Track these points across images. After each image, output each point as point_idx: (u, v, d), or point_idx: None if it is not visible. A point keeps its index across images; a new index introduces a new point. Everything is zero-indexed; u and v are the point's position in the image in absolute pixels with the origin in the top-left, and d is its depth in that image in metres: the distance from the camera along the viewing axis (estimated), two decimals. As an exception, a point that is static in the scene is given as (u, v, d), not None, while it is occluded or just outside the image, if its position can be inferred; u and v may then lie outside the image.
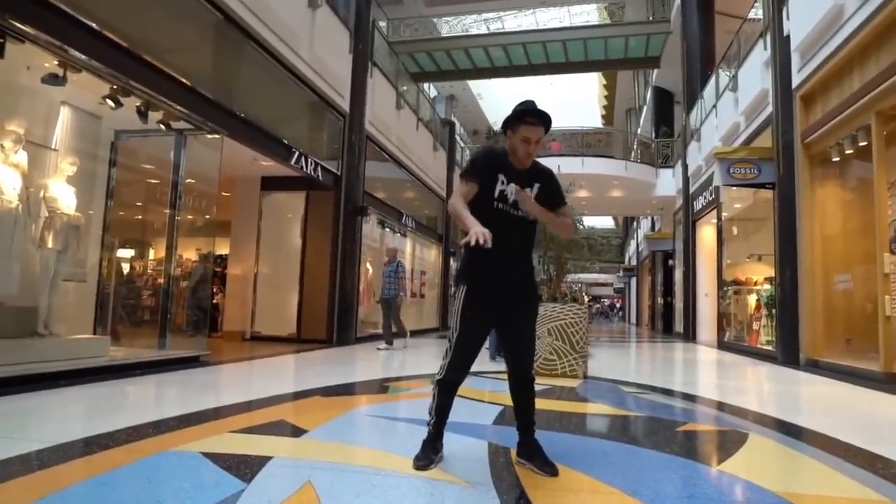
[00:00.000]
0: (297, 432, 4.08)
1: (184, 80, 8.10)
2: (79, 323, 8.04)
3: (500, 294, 3.21)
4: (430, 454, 3.29)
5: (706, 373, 9.51)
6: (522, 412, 3.35)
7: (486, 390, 6.39)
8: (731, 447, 4.08)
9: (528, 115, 3.18)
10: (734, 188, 13.33)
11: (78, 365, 6.37)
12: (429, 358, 11.14)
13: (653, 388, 7.08)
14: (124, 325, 9.16)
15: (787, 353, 10.77)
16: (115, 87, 7.18)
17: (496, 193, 3.18)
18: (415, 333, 17.66)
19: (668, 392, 6.88)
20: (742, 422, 5.07)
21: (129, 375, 6.56)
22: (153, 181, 9.17)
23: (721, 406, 5.98)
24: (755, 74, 12.95)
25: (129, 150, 8.76)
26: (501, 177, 3.19)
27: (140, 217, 9.61)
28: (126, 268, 9.89)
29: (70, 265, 7.46)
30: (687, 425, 4.88)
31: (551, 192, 3.31)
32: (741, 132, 14.21)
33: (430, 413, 3.35)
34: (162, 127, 8.19)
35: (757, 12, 13.51)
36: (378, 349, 11.40)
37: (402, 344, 12.33)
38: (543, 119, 3.20)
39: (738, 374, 9.30)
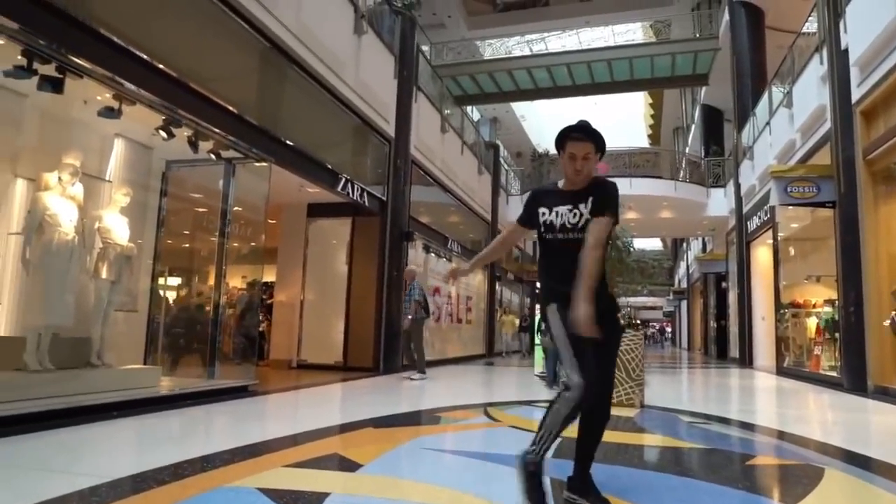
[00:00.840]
0: (351, 466, 4.04)
1: (232, 109, 8.21)
2: (129, 353, 8.14)
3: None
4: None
5: (768, 401, 9.29)
6: (586, 444, 3.21)
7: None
8: (808, 483, 3.90)
9: (573, 131, 3.16)
10: (790, 207, 13.14)
11: (130, 396, 6.45)
12: (475, 386, 11.10)
13: (713, 418, 6.92)
14: (173, 355, 9.22)
15: (854, 379, 10.44)
16: (166, 118, 7.32)
17: (542, 226, 3.23)
18: (459, 360, 17.76)
19: (729, 422, 6.72)
20: (814, 455, 4.89)
21: (179, 406, 6.61)
22: (202, 210, 9.31)
23: (788, 437, 5.81)
24: (811, 90, 12.77)
25: (180, 179, 8.91)
26: (542, 209, 3.22)
27: (189, 246, 9.73)
28: (174, 297, 10.01)
29: (122, 295, 7.58)
30: (756, 458, 4.74)
31: (597, 202, 3.13)
32: (797, 150, 14.02)
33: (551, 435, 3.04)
34: (212, 156, 8.30)
35: (811, 26, 13.37)
36: (411, 379, 10.84)
37: (418, 377, 11.02)
38: (589, 133, 3.16)
39: (803, 403, 9.08)
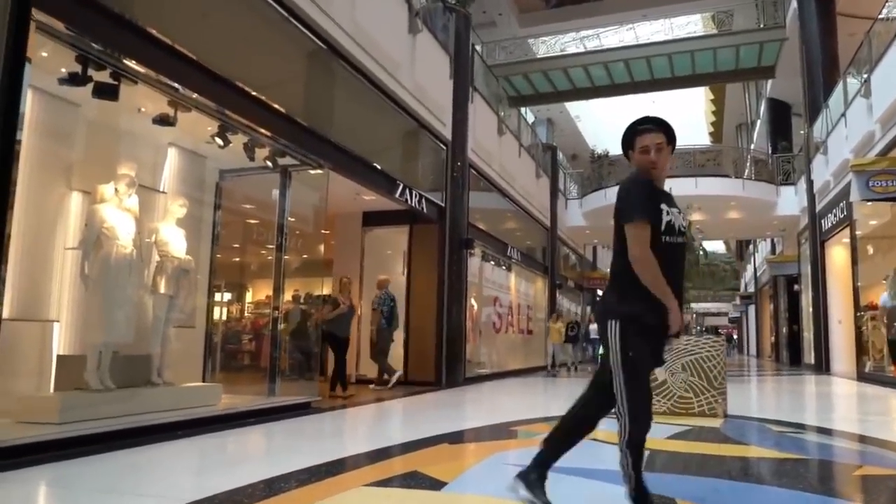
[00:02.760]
0: (435, 485, 3.94)
1: (287, 113, 8.11)
2: (187, 370, 8.03)
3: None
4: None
5: (855, 408, 9.16)
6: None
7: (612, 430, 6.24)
8: None
9: (640, 123, 3.17)
10: (868, 203, 13.01)
11: (192, 415, 6.43)
12: (544, 398, 11.25)
13: (803, 427, 6.91)
14: (231, 372, 9.21)
15: None
16: (222, 124, 7.25)
17: (663, 226, 3.04)
18: (522, 372, 17.56)
19: (822, 431, 6.72)
20: None
21: (241, 424, 6.55)
22: (256, 221, 9.25)
23: (888, 445, 5.66)
24: (891, 77, 12.50)
25: (234, 189, 8.85)
26: (664, 206, 3.06)
27: (244, 259, 9.72)
28: (231, 312, 9.95)
29: (180, 311, 7.48)
30: (862, 469, 4.68)
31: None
32: (876, 141, 13.80)
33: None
34: (268, 164, 8.21)
35: (890, 11, 13.25)
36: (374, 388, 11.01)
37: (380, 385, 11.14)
38: (658, 124, 3.15)
39: (892, 408, 8.93)
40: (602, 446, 4.49)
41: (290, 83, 8.70)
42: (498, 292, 17.80)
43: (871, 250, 15.78)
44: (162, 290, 7.11)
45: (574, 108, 33.05)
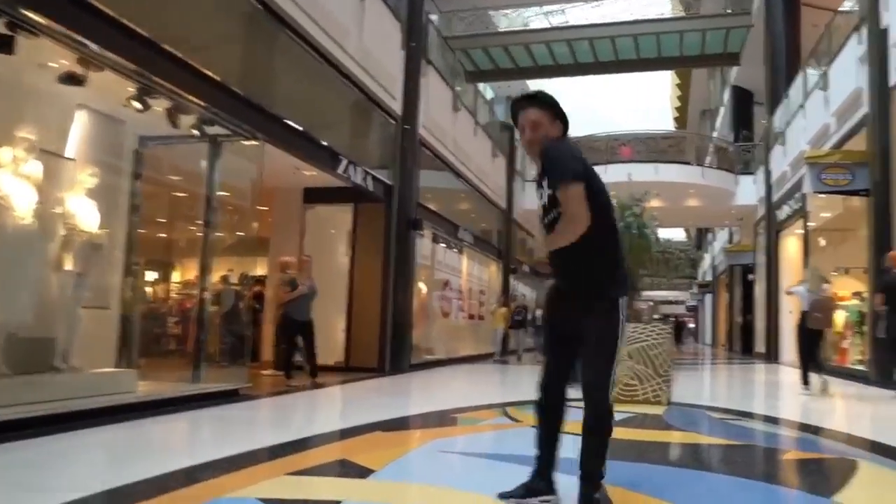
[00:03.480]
0: (363, 472, 3.95)
1: (218, 79, 7.74)
2: (100, 354, 7.61)
3: (561, 305, 3.14)
4: (520, 488, 3.14)
5: (796, 396, 9.49)
6: (582, 459, 3.03)
7: (569, 420, 6.28)
8: (843, 476, 4.10)
9: (514, 104, 3.14)
10: (822, 195, 13.51)
11: (104, 403, 6.08)
12: (492, 386, 11.43)
13: (743, 414, 7.28)
14: (155, 357, 8.94)
15: (881, 372, 10.68)
16: (140, 86, 6.76)
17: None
18: (473, 359, 17.59)
19: (760, 417, 7.16)
20: (847, 448, 5.21)
21: (161, 413, 6.32)
22: (184, 194, 8.87)
23: (818, 431, 6.22)
24: (848, 72, 12.83)
25: (157, 158, 8.38)
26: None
27: (170, 235, 9.33)
28: (155, 292, 9.47)
29: (91, 290, 7.03)
30: (790, 453, 5.05)
31: (548, 174, 3.05)
32: (832, 134, 14.17)
33: (603, 471, 3.10)
34: (194, 132, 7.77)
35: (850, 4, 13.57)
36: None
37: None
38: (528, 99, 3.10)
39: (833, 397, 9.41)
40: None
41: (223, 46, 8.38)
42: (449, 276, 17.62)
43: (822, 242, 16.26)
44: (68, 266, 6.66)
45: (536, 86, 32.70)
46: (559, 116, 3.08)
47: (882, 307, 9.04)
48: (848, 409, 8.44)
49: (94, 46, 6.01)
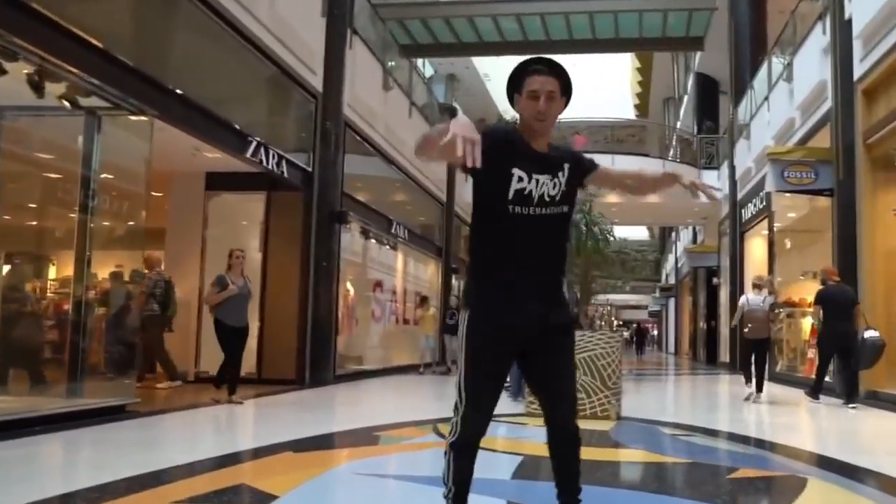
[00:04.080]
0: (263, 500, 3.95)
1: (95, 43, 7.36)
2: None
3: (520, 320, 2.96)
4: None
5: (755, 409, 9.93)
6: (563, 474, 3.11)
7: (500, 437, 6.41)
8: (790, 495, 4.36)
9: (533, 63, 3.05)
10: (787, 194, 13.78)
11: None
12: (424, 399, 11.52)
13: (697, 430, 7.43)
14: (23, 367, 8.45)
15: (845, 384, 10.79)
16: None
17: (511, 194, 2.91)
18: (407, 369, 17.31)
19: (714, 433, 7.34)
20: (799, 465, 5.46)
21: (27, 434, 6.09)
22: (55, 176, 8.45)
23: (774, 447, 6.45)
24: (813, 63, 13.18)
25: (19, 133, 8.02)
26: (517, 172, 2.91)
27: (36, 223, 8.93)
28: (20, 291, 8.96)
29: None
30: (739, 471, 5.12)
31: (578, 161, 3.12)
32: (796, 129, 14.48)
33: (444, 482, 3.05)
34: (65, 104, 7.36)
35: None
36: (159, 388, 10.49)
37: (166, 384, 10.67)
38: (553, 67, 3.01)
39: (791, 410, 10.04)
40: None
41: (103, 6, 8.06)
42: (380, 275, 17.45)
43: (788, 244, 16.63)
44: None
45: (483, 64, 32.65)
46: (566, 94, 3.04)
47: (819, 318, 10.36)
48: (802, 423, 8.86)
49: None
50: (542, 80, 2.96)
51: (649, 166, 22.51)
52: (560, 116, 3.09)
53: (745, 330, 10.95)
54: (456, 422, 3.01)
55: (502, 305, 2.94)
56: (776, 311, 13.56)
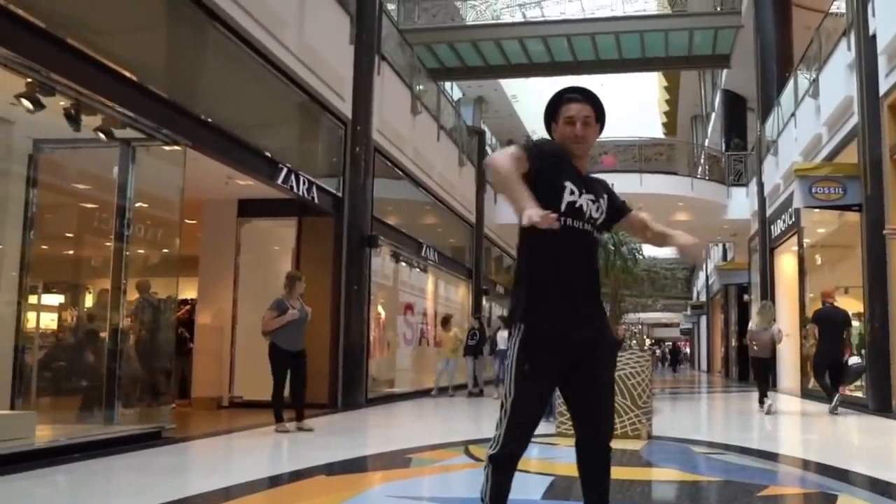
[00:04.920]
0: None
1: (129, 75, 7.43)
2: None
3: (574, 333, 3.02)
4: None
5: (788, 426, 10.15)
6: (596, 491, 3.13)
7: (531, 457, 6.36)
8: None
9: (567, 92, 3.21)
10: (816, 210, 13.83)
11: None
12: (456, 421, 11.61)
13: (728, 448, 7.47)
14: (61, 395, 8.62)
15: (879, 400, 11.00)
16: (32, 81, 6.45)
17: (564, 205, 2.98)
18: (442, 390, 17.08)
19: (745, 451, 7.27)
20: (830, 482, 5.38)
21: (66, 461, 6.12)
22: (91, 206, 8.61)
23: (806, 465, 6.50)
24: (838, 79, 13.12)
25: (56, 165, 8.12)
26: (569, 185, 3.03)
27: (78, 252, 9.04)
28: (63, 319, 9.08)
29: None
30: (768, 489, 5.12)
31: (615, 201, 3.27)
32: (823, 145, 14.49)
33: (482, 499, 3.06)
34: (101, 136, 7.48)
35: (840, 6, 13.72)
36: None
37: None
38: (588, 95, 3.17)
39: (824, 427, 9.99)
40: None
41: (137, 38, 8.10)
42: (411, 298, 17.41)
43: (819, 260, 16.45)
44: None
45: (511, 86, 32.71)
46: (600, 120, 3.21)
47: (815, 336, 11.41)
48: (831, 440, 8.92)
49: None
50: (577, 108, 3.12)
51: (677, 184, 22.62)
52: (590, 138, 3.17)
53: (753, 349, 12.19)
54: (499, 435, 3.02)
55: (556, 320, 2.98)
56: (786, 334, 14.15)
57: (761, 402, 11.55)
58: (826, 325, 11.11)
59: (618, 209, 3.25)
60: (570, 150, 3.12)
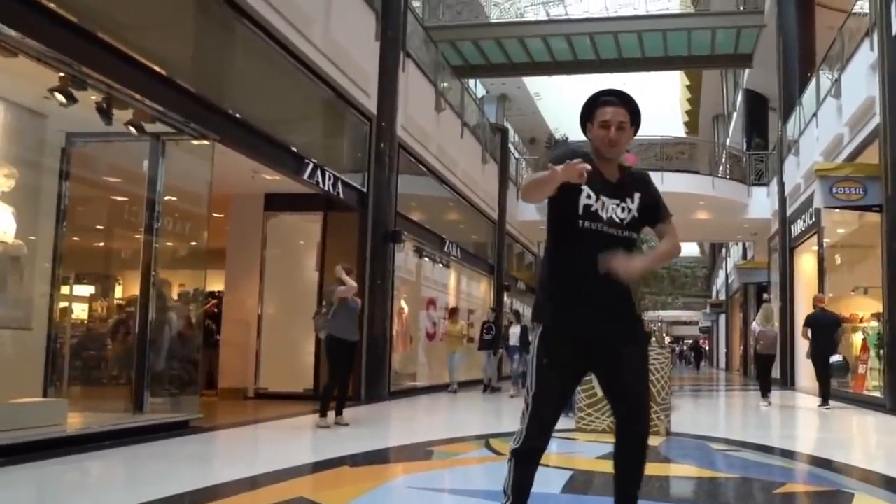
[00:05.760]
0: None
1: (159, 70, 7.48)
2: (22, 382, 7.37)
3: (590, 332, 3.08)
4: None
5: (805, 425, 10.26)
6: (625, 484, 3.17)
7: (551, 452, 6.55)
8: None
9: (604, 94, 3.18)
10: (836, 210, 13.76)
11: (26, 437, 5.91)
12: (476, 414, 11.58)
13: (745, 445, 7.50)
14: (91, 384, 8.68)
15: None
16: (65, 76, 6.46)
17: (580, 209, 3.04)
18: (462, 385, 16.97)
19: (763, 449, 7.28)
20: (847, 480, 5.41)
21: (96, 448, 6.22)
22: (121, 199, 8.62)
23: (822, 462, 6.43)
24: (860, 79, 13.05)
25: (88, 158, 8.14)
26: (586, 189, 3.04)
27: (108, 244, 9.11)
28: (94, 309, 9.15)
29: (8, 307, 6.97)
30: (785, 486, 5.16)
31: (654, 203, 3.22)
32: (845, 145, 14.41)
33: (504, 492, 3.10)
34: (132, 130, 7.48)
35: (863, 5, 13.63)
36: None
37: None
38: (624, 98, 3.15)
39: (842, 426, 10.09)
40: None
41: (167, 34, 8.15)
42: (433, 293, 17.43)
43: (838, 260, 16.53)
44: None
45: (534, 84, 32.68)
46: (636, 124, 3.19)
47: (807, 338, 12.11)
48: (848, 438, 9.04)
49: (7, 31, 5.67)
50: (612, 111, 3.10)
51: (698, 183, 22.56)
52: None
53: (758, 346, 13.26)
54: (522, 430, 3.07)
55: (574, 318, 3.05)
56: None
57: (764, 396, 12.68)
58: (817, 327, 11.95)
59: (653, 210, 3.21)
60: (602, 152, 3.12)
